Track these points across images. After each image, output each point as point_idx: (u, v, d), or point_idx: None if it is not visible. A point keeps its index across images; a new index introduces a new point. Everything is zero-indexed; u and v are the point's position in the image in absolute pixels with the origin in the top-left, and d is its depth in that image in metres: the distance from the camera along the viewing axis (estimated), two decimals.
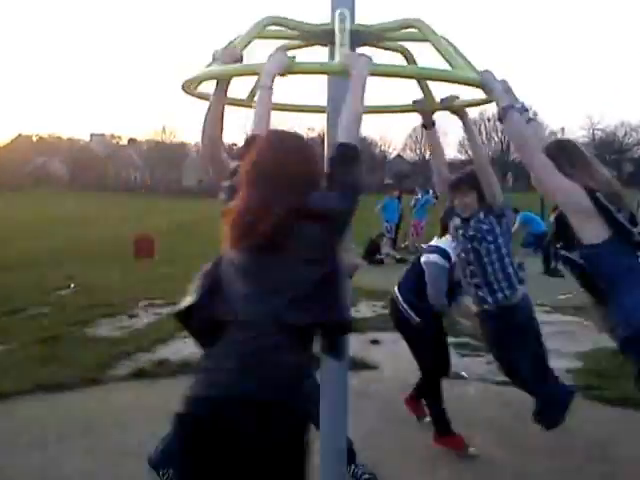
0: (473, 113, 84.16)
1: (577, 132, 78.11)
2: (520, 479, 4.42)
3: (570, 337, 8.34)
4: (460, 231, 4.32)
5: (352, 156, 2.53)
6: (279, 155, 2.44)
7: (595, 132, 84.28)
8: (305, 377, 2.45)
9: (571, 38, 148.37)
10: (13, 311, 9.84)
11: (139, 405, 5.80)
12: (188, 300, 2.45)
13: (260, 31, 3.02)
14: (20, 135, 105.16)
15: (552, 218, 3.38)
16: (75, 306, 10.18)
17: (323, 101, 3.30)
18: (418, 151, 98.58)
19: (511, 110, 3.07)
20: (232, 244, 2.41)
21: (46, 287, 12.22)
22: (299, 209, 2.33)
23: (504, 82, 3.13)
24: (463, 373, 6.68)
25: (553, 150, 3.24)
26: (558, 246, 3.30)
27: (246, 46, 2.98)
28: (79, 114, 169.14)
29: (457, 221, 4.38)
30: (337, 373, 3.31)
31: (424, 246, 18.89)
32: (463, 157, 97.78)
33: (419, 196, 20.46)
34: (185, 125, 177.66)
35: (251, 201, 2.37)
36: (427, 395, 5.08)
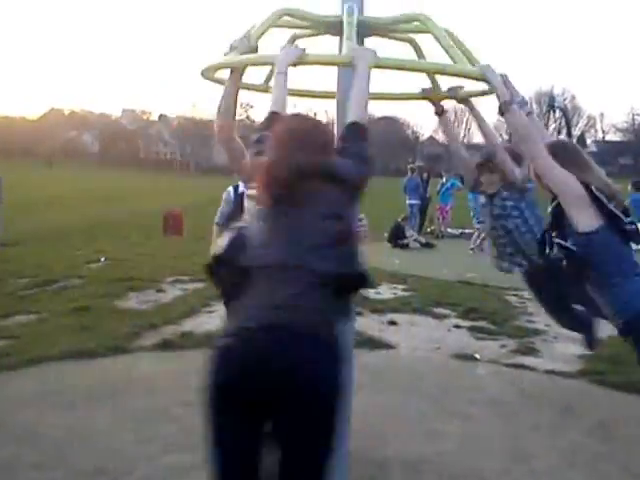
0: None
1: (616, 117, 77.20)
2: (520, 455, 4.65)
3: None
4: (486, 209, 4.60)
5: (363, 132, 2.89)
6: (308, 125, 2.81)
7: (635, 117, 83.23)
8: (335, 323, 2.54)
9: (613, 21, 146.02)
10: (45, 282, 10.15)
11: (164, 373, 6.13)
12: (216, 251, 2.66)
13: (274, 21, 3.29)
14: (52, 109, 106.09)
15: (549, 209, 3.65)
16: (105, 279, 10.49)
17: (332, 87, 3.58)
18: None
19: (512, 104, 3.30)
20: (258, 197, 2.67)
21: (77, 260, 12.57)
22: (320, 166, 2.65)
23: (504, 76, 3.38)
24: (476, 355, 6.95)
25: (554, 149, 3.46)
26: (554, 235, 3.52)
27: (261, 35, 3.25)
28: (111, 89, 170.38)
29: (482, 199, 4.68)
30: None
31: (450, 230, 19.06)
32: (498, 141, 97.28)
33: (444, 180, 20.54)
34: (215, 102, 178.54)
35: (280, 158, 2.66)
36: None
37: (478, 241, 15.55)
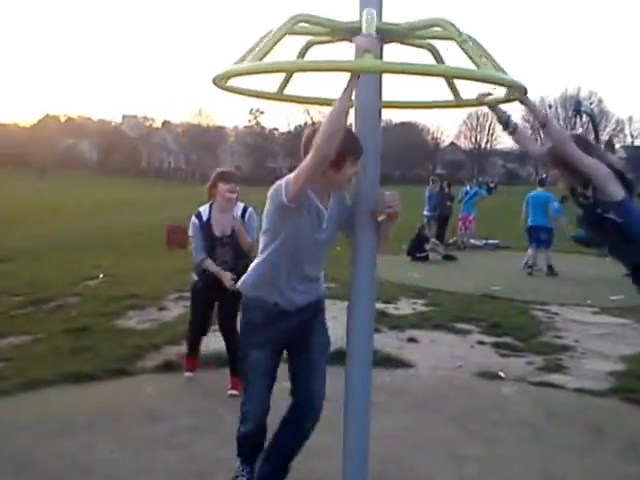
0: (534, 99, 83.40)
1: None
2: (548, 478, 4.68)
3: (617, 339, 8.63)
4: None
5: None
6: None
7: None
8: None
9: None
10: (40, 301, 10.24)
11: (167, 397, 6.18)
12: None
13: (290, 28, 3.33)
14: (48, 115, 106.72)
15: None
16: (104, 297, 10.58)
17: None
18: (473, 139, 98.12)
19: (549, 117, 4.35)
20: None
21: (74, 277, 12.66)
22: None
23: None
24: (501, 373, 6.97)
25: (578, 144, 4.40)
26: (599, 211, 4.41)
27: (277, 42, 3.30)
28: (111, 94, 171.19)
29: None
30: (362, 373, 3.71)
31: (473, 241, 19.18)
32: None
33: (468, 188, 20.57)
34: (223, 108, 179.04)
35: None
36: None
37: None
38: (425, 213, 19.67)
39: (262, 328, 3.97)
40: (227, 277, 6.08)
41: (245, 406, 4.19)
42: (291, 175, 3.63)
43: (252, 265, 4.04)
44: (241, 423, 4.26)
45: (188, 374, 6.66)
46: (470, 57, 3.13)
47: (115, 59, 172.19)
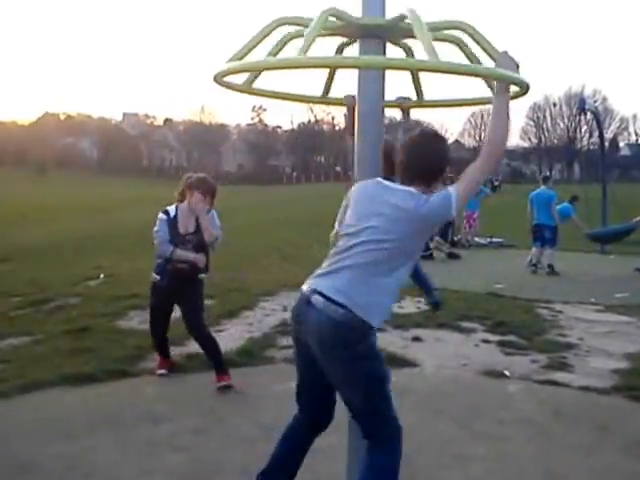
0: (537, 97, 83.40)
1: None
2: (554, 477, 4.68)
3: (622, 337, 8.65)
4: None
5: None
6: None
7: None
8: None
9: None
10: (39, 301, 10.26)
11: (170, 398, 6.18)
12: None
13: (322, 25, 3.25)
14: (47, 113, 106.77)
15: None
16: (105, 297, 10.60)
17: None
18: (477, 137, 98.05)
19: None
20: None
21: (74, 277, 12.67)
22: None
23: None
24: (506, 371, 6.99)
25: None
26: None
27: (313, 41, 3.23)
28: (111, 92, 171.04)
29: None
30: None
31: (478, 239, 19.29)
32: (526, 144, 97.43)
33: None
34: (226, 105, 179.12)
35: None
36: None
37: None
38: None
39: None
40: (200, 258, 6.43)
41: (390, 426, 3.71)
42: (456, 187, 3.40)
43: (369, 289, 3.43)
44: (390, 452, 3.71)
45: (161, 371, 6.79)
46: (489, 54, 3.15)
47: (116, 56, 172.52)
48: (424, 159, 3.51)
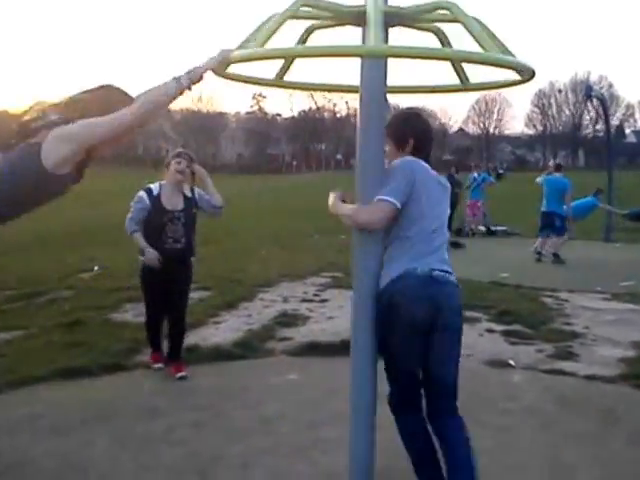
0: (543, 84, 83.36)
1: None
2: (560, 467, 4.68)
3: (628, 325, 8.67)
4: None
5: None
6: None
7: None
8: None
9: None
10: (32, 295, 10.27)
11: (167, 392, 6.18)
12: None
13: (295, 11, 3.31)
14: (38, 101, 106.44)
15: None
16: (98, 290, 10.62)
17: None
18: (482, 124, 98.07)
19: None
20: None
21: (67, 269, 12.69)
22: None
23: None
24: (511, 361, 7.00)
25: None
26: None
27: (280, 26, 3.27)
28: (104, 78, 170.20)
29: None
30: (367, 363, 3.77)
31: (482, 228, 19.31)
32: (531, 131, 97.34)
33: (475, 174, 20.59)
34: (225, 93, 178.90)
35: None
36: None
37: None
38: None
39: None
40: (152, 255, 6.24)
41: None
42: None
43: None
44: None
45: (158, 365, 6.74)
46: (476, 39, 3.12)
47: (109, 41, 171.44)
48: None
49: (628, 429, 5.31)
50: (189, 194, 6.48)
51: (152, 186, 6.43)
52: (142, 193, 6.39)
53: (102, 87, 3.65)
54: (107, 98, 3.58)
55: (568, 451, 4.92)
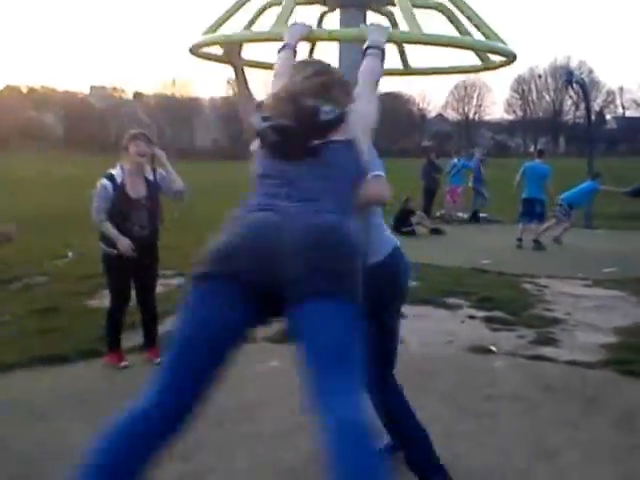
0: (522, 69, 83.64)
1: (637, 92, 77.98)
2: (542, 452, 4.73)
3: (609, 311, 8.79)
4: None
5: None
6: None
7: None
8: None
9: None
10: (4, 281, 10.22)
11: (143, 377, 6.15)
12: None
13: None
14: (7, 86, 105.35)
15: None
16: (73, 276, 10.56)
17: None
18: (461, 110, 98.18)
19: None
20: None
21: (41, 255, 12.60)
22: None
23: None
24: (492, 347, 7.07)
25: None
26: None
27: (292, 12, 3.27)
28: (77, 63, 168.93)
29: None
30: None
31: (462, 214, 19.44)
32: (511, 117, 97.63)
33: (455, 160, 20.68)
34: (199, 78, 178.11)
35: None
36: None
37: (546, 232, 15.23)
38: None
39: None
40: (125, 244, 6.20)
41: None
42: None
43: None
44: None
45: (125, 363, 6.57)
46: (455, 25, 3.15)
47: (82, 25, 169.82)
48: None
49: (610, 414, 5.39)
50: (151, 177, 6.42)
51: (113, 172, 6.31)
52: (105, 182, 6.25)
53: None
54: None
55: (551, 436, 4.98)
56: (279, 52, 3.38)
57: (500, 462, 4.58)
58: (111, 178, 6.26)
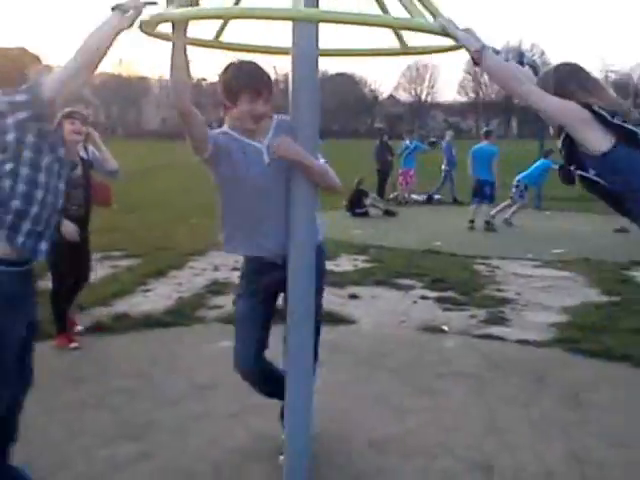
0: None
1: None
2: (492, 428, 4.86)
3: (559, 291, 8.97)
4: None
5: None
6: None
7: (608, 74, 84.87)
8: None
9: None
10: None
11: (96, 360, 6.20)
12: None
13: None
14: None
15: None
16: None
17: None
18: (413, 91, 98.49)
19: (485, 50, 3.35)
20: None
21: None
22: None
23: (468, 30, 3.39)
24: (444, 327, 7.20)
25: (565, 75, 3.50)
26: (572, 168, 3.45)
27: None
28: (12, 37, 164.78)
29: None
30: (304, 330, 3.80)
31: (415, 196, 19.56)
32: (463, 99, 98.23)
33: (408, 142, 20.80)
34: (146, 56, 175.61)
35: None
36: None
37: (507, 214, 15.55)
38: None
39: None
40: (71, 230, 6.12)
41: None
42: None
43: None
44: None
45: (75, 345, 6.57)
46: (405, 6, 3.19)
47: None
48: None
49: (558, 391, 5.54)
50: (84, 155, 6.38)
51: None
52: None
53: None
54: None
55: (501, 413, 5.11)
56: None
57: (451, 438, 4.68)
58: None
